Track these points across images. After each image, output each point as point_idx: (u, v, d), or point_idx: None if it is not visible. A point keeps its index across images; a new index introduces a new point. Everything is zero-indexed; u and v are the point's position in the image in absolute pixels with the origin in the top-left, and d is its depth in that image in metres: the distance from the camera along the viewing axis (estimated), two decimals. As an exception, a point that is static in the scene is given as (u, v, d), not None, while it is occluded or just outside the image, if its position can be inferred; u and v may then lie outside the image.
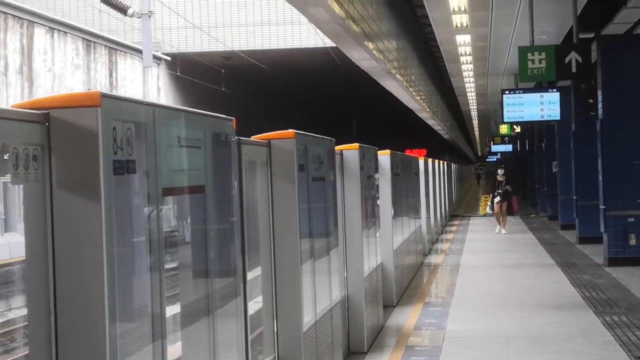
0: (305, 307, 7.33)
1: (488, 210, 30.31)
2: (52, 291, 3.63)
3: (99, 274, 3.62)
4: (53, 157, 3.63)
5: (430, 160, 25.84)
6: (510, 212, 28.79)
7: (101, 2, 24.39)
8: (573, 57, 15.44)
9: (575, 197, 23.32)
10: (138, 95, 27.69)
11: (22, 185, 3.59)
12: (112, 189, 3.70)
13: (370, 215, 11.82)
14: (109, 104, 3.73)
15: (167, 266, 4.32)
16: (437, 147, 70.28)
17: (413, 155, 22.99)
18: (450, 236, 28.25)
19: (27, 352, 3.81)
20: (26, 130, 3.55)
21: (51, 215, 3.63)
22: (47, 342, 3.63)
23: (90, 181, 3.62)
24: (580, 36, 16.35)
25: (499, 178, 28.68)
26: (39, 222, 3.62)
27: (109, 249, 3.64)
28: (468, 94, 38.27)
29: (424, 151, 42.99)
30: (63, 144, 3.63)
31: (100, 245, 3.61)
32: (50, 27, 24.20)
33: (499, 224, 27.78)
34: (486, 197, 41.79)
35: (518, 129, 42.80)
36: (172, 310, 5.61)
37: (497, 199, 27.95)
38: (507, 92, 20.34)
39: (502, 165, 30.86)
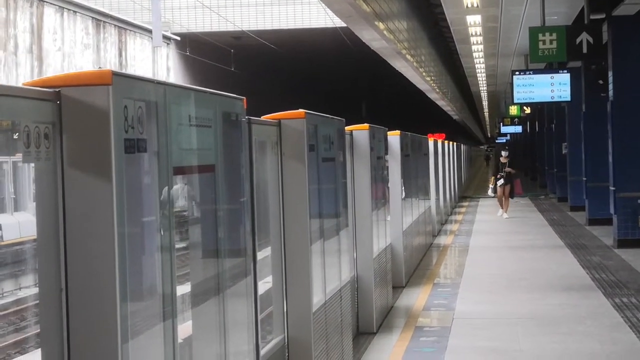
0: (315, 287, 7.33)
1: (490, 192, 29.55)
2: (64, 269, 3.63)
3: (110, 253, 3.62)
4: (64, 135, 3.62)
5: (439, 141, 25.80)
6: (511, 194, 27.52)
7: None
8: (584, 38, 15.40)
9: (585, 179, 23.27)
10: (148, 75, 27.66)
11: (33, 164, 3.59)
12: (123, 168, 3.69)
13: (380, 196, 11.80)
14: (120, 82, 3.72)
15: (177, 245, 4.32)
16: (446, 129, 70.17)
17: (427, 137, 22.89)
18: (459, 217, 28.23)
19: (39, 330, 3.81)
20: (37, 109, 3.54)
21: (62, 193, 3.62)
22: (58, 321, 3.63)
23: (101, 159, 3.61)
24: (591, 17, 16.28)
25: (503, 160, 27.71)
26: (50, 200, 3.61)
27: (119, 227, 3.64)
28: (478, 74, 38.17)
29: (443, 135, 43.05)
30: (74, 122, 3.63)
31: (111, 223, 3.61)
32: (60, 7, 24.18)
33: (501, 207, 27.05)
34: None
35: (528, 110, 42.71)
36: (183, 289, 5.62)
37: (501, 181, 27.04)
38: (517, 72, 20.27)
39: (506, 147, 29.77)
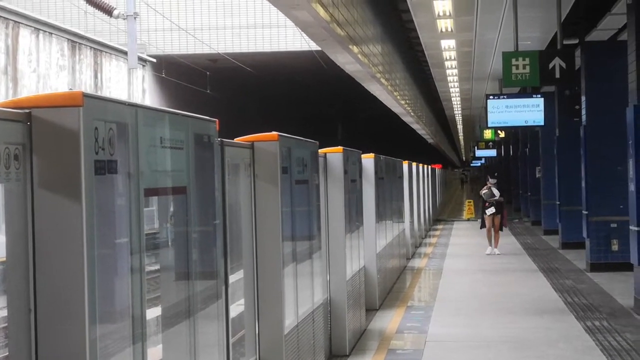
0: (287, 309, 7.33)
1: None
2: (33, 291, 3.62)
3: (80, 274, 3.61)
4: (34, 156, 3.62)
5: (414, 164, 25.87)
6: (500, 227, 23.20)
7: (86, 3, 24.34)
8: (557, 62, 15.48)
9: (558, 203, 23.37)
10: (123, 97, 27.62)
11: (2, 185, 3.58)
12: (93, 189, 3.69)
13: (354, 218, 11.82)
14: (91, 103, 3.72)
15: (148, 268, 4.31)
16: (421, 152, 70.37)
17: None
18: (433, 240, 28.27)
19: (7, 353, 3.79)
20: (7, 130, 3.53)
21: (32, 214, 3.62)
22: (27, 343, 3.62)
23: (71, 181, 3.61)
24: (565, 42, 16.40)
25: (491, 188, 23.63)
26: (20, 222, 3.61)
27: (89, 249, 3.64)
28: (453, 98, 38.33)
29: (440, 165, 43.41)
30: (44, 144, 3.63)
31: (80, 245, 3.60)
32: (35, 28, 24.12)
33: (490, 244, 22.96)
34: (469, 202, 41.63)
35: (502, 134, 42.92)
36: (154, 312, 5.59)
37: (491, 210, 23.15)
38: (491, 97, 20.36)
39: (495, 174, 25.03)
